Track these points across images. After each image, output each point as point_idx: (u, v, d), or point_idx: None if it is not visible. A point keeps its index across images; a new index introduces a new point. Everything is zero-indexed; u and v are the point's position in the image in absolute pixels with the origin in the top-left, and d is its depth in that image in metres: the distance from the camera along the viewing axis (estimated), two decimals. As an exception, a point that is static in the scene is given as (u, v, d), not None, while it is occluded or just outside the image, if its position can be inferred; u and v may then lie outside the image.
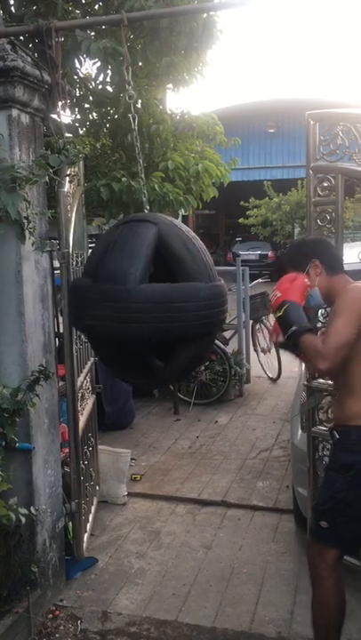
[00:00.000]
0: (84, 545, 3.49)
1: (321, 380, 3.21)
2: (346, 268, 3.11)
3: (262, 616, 3.00)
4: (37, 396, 2.81)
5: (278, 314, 2.40)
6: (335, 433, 2.47)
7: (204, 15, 4.18)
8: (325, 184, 3.15)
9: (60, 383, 3.50)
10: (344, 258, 3.12)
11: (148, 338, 2.47)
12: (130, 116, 2.93)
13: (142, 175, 3.09)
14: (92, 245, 3.16)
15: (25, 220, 2.69)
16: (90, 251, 2.90)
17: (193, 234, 2.66)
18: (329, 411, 3.16)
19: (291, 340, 2.37)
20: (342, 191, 3.11)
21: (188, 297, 2.44)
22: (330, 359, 2.29)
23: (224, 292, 2.65)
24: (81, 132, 5.29)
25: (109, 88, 4.79)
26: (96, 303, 2.42)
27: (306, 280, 2.44)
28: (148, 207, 3.00)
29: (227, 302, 2.70)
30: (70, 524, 3.35)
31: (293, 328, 2.34)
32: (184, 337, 2.49)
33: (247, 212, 17.04)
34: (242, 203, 16.92)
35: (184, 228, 2.64)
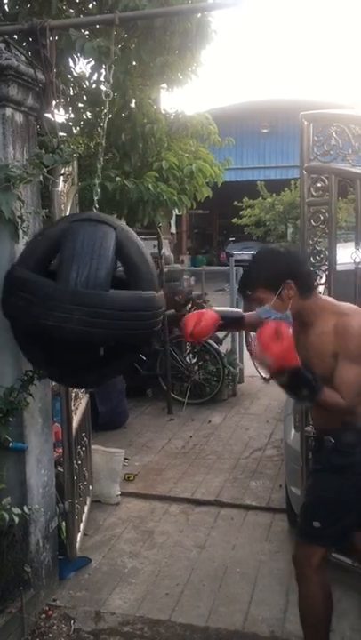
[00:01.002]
0: (78, 545, 3.49)
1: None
2: (339, 268, 3.14)
3: (255, 615, 3.01)
4: (31, 395, 2.80)
5: (282, 380, 2.31)
6: (329, 438, 2.46)
7: (199, 15, 4.18)
8: (319, 184, 3.16)
9: (54, 383, 3.50)
10: (338, 258, 3.15)
11: (108, 342, 2.49)
12: (102, 114, 2.92)
13: (99, 173, 3.01)
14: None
15: (19, 220, 2.68)
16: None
17: (142, 243, 2.62)
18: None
19: (303, 401, 2.39)
20: (336, 192, 3.12)
21: (145, 307, 2.45)
22: (350, 408, 2.31)
23: (164, 302, 2.63)
24: (75, 131, 5.29)
25: (103, 87, 4.78)
26: (67, 304, 2.34)
27: (288, 329, 2.27)
28: (97, 206, 2.92)
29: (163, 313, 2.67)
30: (64, 523, 3.35)
31: (305, 392, 2.28)
32: (136, 344, 2.57)
33: (241, 212, 17.06)
34: (235, 203, 16.94)
35: (135, 235, 2.61)
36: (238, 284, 2.57)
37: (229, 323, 2.76)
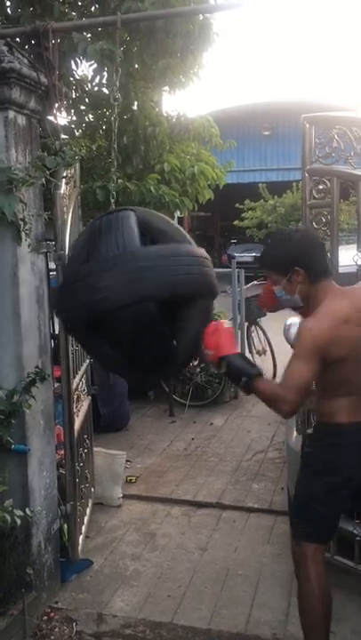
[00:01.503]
0: (80, 547, 3.49)
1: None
2: (341, 270, 3.14)
3: (257, 618, 3.00)
4: (33, 397, 2.80)
5: (223, 370, 2.41)
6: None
7: (200, 17, 4.19)
8: (321, 187, 3.16)
9: (56, 385, 3.50)
10: (340, 260, 3.15)
11: (161, 293, 2.35)
12: (112, 118, 2.94)
13: (115, 174, 3.06)
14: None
15: (21, 222, 2.69)
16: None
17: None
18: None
19: (246, 389, 2.37)
20: (338, 194, 3.12)
21: (187, 252, 2.46)
22: (290, 402, 2.29)
23: (209, 260, 2.60)
24: (77, 133, 5.31)
25: (105, 90, 4.80)
26: (102, 274, 2.32)
27: (225, 325, 2.46)
28: (113, 207, 2.97)
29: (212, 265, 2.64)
30: (65, 525, 3.35)
31: (244, 379, 2.33)
32: (192, 293, 2.44)
33: (242, 215, 17.06)
34: (237, 205, 16.94)
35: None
36: (257, 263, 2.67)
37: None
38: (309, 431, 2.65)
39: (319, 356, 2.27)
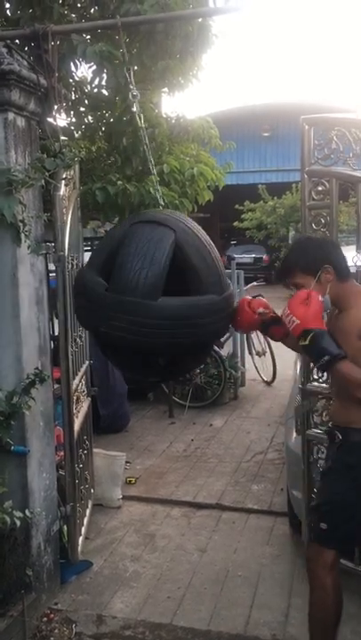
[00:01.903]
0: (79, 548, 3.49)
1: (315, 384, 3.22)
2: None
3: (257, 619, 3.00)
4: (33, 398, 2.81)
5: (303, 342, 2.29)
6: (337, 433, 2.48)
7: (200, 19, 4.19)
8: (320, 188, 3.16)
9: (56, 386, 3.51)
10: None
11: (160, 351, 2.43)
12: (136, 114, 2.92)
13: (154, 172, 3.02)
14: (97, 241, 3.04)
15: (21, 224, 2.69)
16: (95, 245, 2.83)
17: (209, 240, 2.54)
18: (323, 414, 3.18)
19: (323, 367, 2.34)
20: (337, 195, 3.12)
21: (202, 313, 2.36)
22: None
23: (232, 300, 2.57)
24: (76, 135, 5.30)
25: (105, 91, 4.80)
26: (112, 312, 2.31)
27: (319, 297, 2.32)
28: (162, 203, 2.90)
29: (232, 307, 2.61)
30: (65, 527, 3.35)
31: (326, 358, 2.26)
32: (195, 348, 2.48)
33: (242, 216, 17.07)
34: (237, 206, 16.95)
35: (201, 233, 2.52)
36: (276, 273, 2.65)
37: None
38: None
39: None
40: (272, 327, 2.62)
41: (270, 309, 2.61)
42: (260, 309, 2.57)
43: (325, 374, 3.01)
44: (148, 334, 2.28)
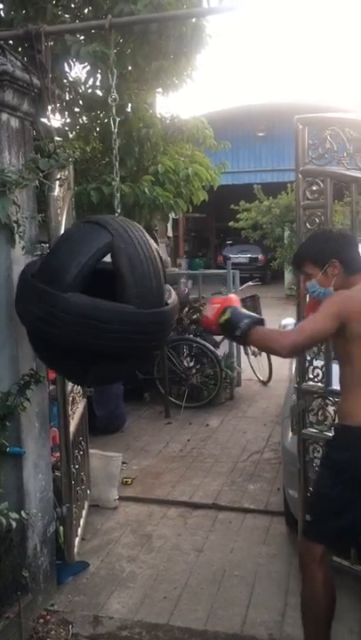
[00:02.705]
0: (76, 549, 3.48)
1: (311, 383, 3.23)
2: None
3: (254, 618, 3.00)
4: (28, 399, 2.80)
5: (224, 317, 2.45)
6: (333, 430, 2.59)
7: (193, 20, 4.20)
8: (314, 188, 3.17)
9: (51, 387, 3.50)
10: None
11: (64, 345, 2.46)
12: (111, 118, 2.93)
13: (117, 177, 3.00)
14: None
15: (15, 224, 2.69)
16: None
17: (152, 255, 2.48)
18: (319, 413, 3.18)
19: (243, 336, 2.42)
20: (331, 195, 3.13)
21: (107, 318, 2.33)
22: (291, 341, 2.36)
23: (164, 319, 2.50)
24: (71, 135, 5.31)
25: (99, 92, 4.80)
26: (31, 299, 2.43)
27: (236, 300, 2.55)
28: (118, 211, 2.87)
29: (167, 328, 2.59)
30: (61, 528, 3.35)
31: (245, 321, 2.41)
32: (101, 353, 2.44)
33: (237, 216, 17.07)
34: (232, 206, 16.95)
35: (144, 246, 2.47)
36: (291, 261, 2.77)
37: None
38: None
39: (338, 319, 2.33)
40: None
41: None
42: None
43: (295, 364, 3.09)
44: (55, 325, 2.34)
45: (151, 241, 2.55)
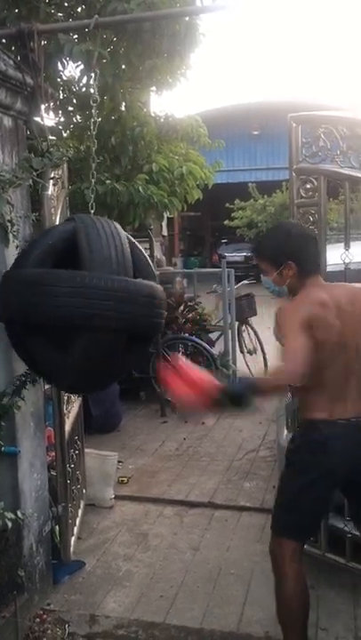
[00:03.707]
0: (72, 548, 3.48)
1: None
2: (329, 269, 3.16)
3: (250, 616, 3.01)
4: (23, 399, 2.80)
5: (221, 407, 2.31)
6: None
7: (187, 18, 4.20)
8: (308, 186, 3.17)
9: (46, 386, 3.49)
10: (328, 259, 3.16)
11: (18, 319, 2.47)
12: (92, 120, 2.93)
13: (93, 172, 3.01)
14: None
15: (8, 224, 2.68)
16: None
17: (118, 235, 2.48)
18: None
19: (249, 403, 2.28)
20: (325, 193, 3.13)
21: (57, 281, 2.31)
22: (295, 374, 2.26)
23: (124, 288, 2.36)
24: (65, 134, 5.30)
25: (92, 90, 4.79)
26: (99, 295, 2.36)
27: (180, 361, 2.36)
28: (92, 210, 2.90)
29: (133, 304, 2.40)
30: (57, 527, 3.34)
31: (246, 394, 2.26)
32: (56, 322, 2.36)
33: (232, 214, 17.09)
34: (227, 205, 16.96)
35: (109, 228, 2.48)
36: (251, 249, 2.77)
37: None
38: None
39: (305, 330, 2.30)
40: None
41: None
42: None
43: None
44: (5, 301, 2.47)
45: (119, 230, 2.56)
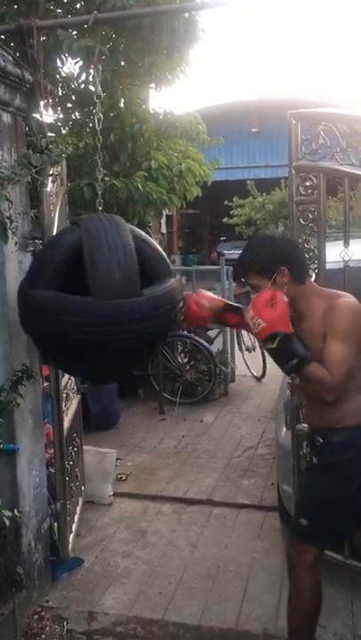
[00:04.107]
0: (70, 545, 3.48)
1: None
2: (329, 266, 3.15)
3: (248, 613, 3.01)
4: (21, 396, 2.79)
5: (271, 346, 2.22)
6: (318, 437, 2.46)
7: (186, 15, 4.19)
8: (308, 183, 3.16)
9: (45, 383, 3.49)
10: (327, 257, 3.15)
11: (35, 341, 2.61)
12: (95, 118, 2.92)
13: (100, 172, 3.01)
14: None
15: (7, 220, 2.67)
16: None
17: (124, 244, 2.40)
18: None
19: (291, 371, 2.28)
20: (324, 190, 3.12)
21: (62, 310, 2.32)
22: (337, 389, 2.24)
23: (128, 310, 2.34)
24: (63, 131, 5.28)
25: (92, 87, 4.78)
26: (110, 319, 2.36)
27: (285, 298, 2.26)
28: (100, 207, 2.91)
29: (144, 320, 2.39)
30: (56, 524, 3.34)
31: (295, 361, 2.21)
32: (70, 346, 2.40)
33: (231, 212, 17.08)
34: (226, 202, 16.95)
35: (112, 236, 2.41)
36: (234, 272, 2.64)
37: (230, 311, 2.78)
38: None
39: (356, 338, 2.25)
40: (224, 315, 2.70)
41: (216, 300, 2.71)
42: (207, 304, 2.64)
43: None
44: (24, 322, 2.54)
45: (122, 234, 2.44)
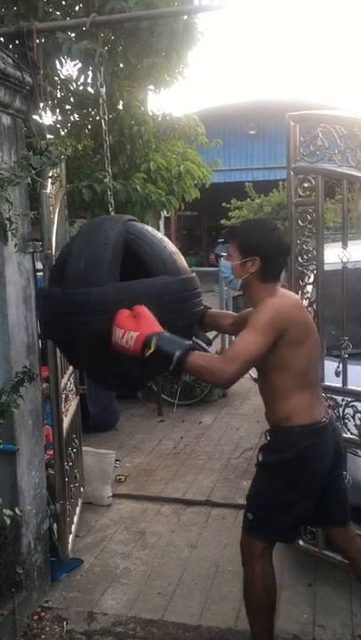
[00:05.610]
0: (70, 546, 3.49)
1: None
2: (327, 268, 3.17)
3: (247, 613, 3.02)
4: (21, 397, 2.80)
5: (150, 351, 2.14)
6: (267, 434, 2.57)
7: (185, 17, 4.20)
8: (306, 185, 3.18)
9: (44, 385, 3.50)
10: (326, 258, 3.17)
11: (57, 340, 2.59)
12: (102, 118, 2.93)
13: (109, 171, 3.01)
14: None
15: (7, 222, 2.68)
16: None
17: (99, 237, 2.37)
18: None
19: (177, 366, 2.17)
20: (322, 192, 3.14)
21: (154, 292, 2.27)
22: (232, 373, 2.20)
23: (89, 300, 2.26)
24: (63, 133, 5.29)
25: (90, 89, 4.80)
26: (66, 309, 2.29)
27: (145, 309, 2.19)
28: (111, 208, 2.94)
29: (193, 296, 2.44)
30: (55, 525, 3.35)
31: (178, 352, 2.15)
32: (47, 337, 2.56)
33: (229, 214, 17.09)
34: (224, 204, 16.97)
35: (90, 229, 2.45)
36: (224, 232, 2.69)
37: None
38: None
39: (275, 333, 2.25)
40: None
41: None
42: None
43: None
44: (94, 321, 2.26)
45: (106, 227, 2.39)
